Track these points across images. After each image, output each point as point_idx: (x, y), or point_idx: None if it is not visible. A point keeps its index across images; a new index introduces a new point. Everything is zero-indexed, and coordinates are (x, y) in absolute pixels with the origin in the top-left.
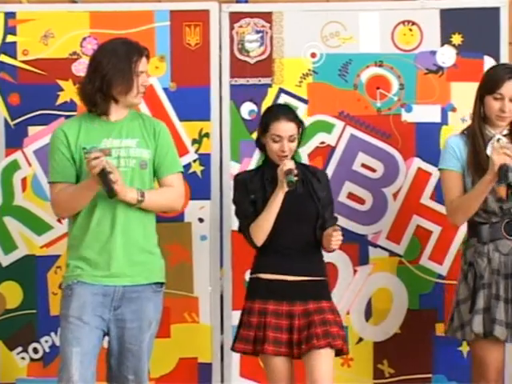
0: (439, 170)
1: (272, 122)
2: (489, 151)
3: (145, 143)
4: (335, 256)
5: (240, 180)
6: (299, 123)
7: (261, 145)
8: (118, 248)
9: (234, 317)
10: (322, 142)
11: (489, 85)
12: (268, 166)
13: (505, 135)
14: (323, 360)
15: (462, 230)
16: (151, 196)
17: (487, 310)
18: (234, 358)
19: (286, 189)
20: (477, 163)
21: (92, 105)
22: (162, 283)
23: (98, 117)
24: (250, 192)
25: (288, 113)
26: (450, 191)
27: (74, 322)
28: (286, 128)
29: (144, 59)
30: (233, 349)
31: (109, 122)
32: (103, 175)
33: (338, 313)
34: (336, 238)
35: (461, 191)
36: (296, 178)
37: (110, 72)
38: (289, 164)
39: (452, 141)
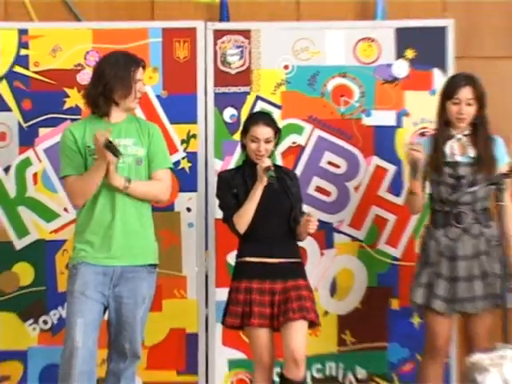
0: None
1: (251, 125)
2: (447, 149)
3: (140, 142)
4: (305, 242)
5: (223, 177)
6: (276, 128)
7: (243, 145)
8: (117, 233)
9: (218, 293)
10: (294, 142)
11: (448, 91)
12: (248, 165)
13: (466, 135)
14: (298, 330)
15: (415, 218)
16: (138, 185)
17: (429, 286)
18: (218, 329)
19: (265, 183)
20: (433, 160)
21: (95, 107)
22: (155, 265)
23: (101, 118)
24: (233, 187)
25: (266, 119)
26: (416, 202)
27: (78, 297)
28: (263, 131)
29: (141, 69)
30: (223, 323)
31: (110, 123)
32: (108, 145)
33: (311, 290)
34: (313, 223)
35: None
36: (274, 174)
37: (111, 79)
38: (267, 162)
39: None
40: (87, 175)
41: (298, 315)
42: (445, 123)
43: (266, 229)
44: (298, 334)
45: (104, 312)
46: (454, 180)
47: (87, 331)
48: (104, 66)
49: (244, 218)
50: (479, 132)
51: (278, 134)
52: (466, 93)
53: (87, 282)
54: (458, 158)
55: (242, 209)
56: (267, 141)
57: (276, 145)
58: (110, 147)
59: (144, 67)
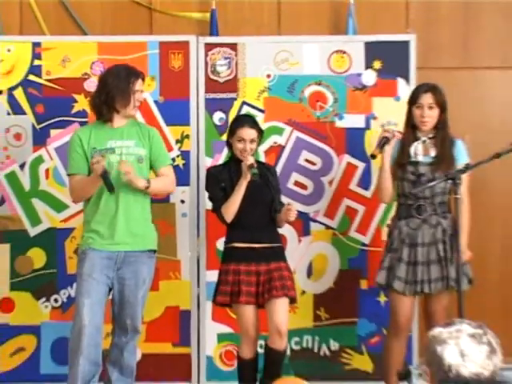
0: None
1: (238, 128)
2: (412, 151)
3: (141, 143)
4: (285, 229)
5: (212, 172)
6: (259, 130)
7: (229, 144)
8: (120, 223)
9: (208, 275)
10: (275, 142)
11: (412, 98)
12: (234, 162)
13: (430, 138)
14: (281, 306)
15: (382, 208)
16: (154, 183)
17: (391, 269)
18: (208, 307)
19: (248, 178)
20: (399, 159)
21: (99, 114)
22: (154, 250)
23: (104, 124)
24: (220, 181)
25: (250, 121)
26: (385, 186)
27: (86, 279)
28: (248, 133)
29: (140, 80)
30: (214, 301)
31: (112, 128)
32: (104, 175)
33: (291, 271)
34: (293, 212)
35: (391, 181)
36: (257, 171)
37: (113, 90)
38: (251, 159)
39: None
40: (85, 183)
41: (281, 293)
42: (412, 127)
43: (251, 218)
44: (281, 309)
45: (109, 292)
46: (415, 177)
47: (93, 310)
48: (107, 78)
49: (230, 208)
50: (440, 134)
51: (261, 134)
52: (427, 98)
53: (94, 265)
54: (420, 158)
55: (228, 201)
56: (252, 141)
57: (259, 144)
58: (106, 178)
59: (143, 79)
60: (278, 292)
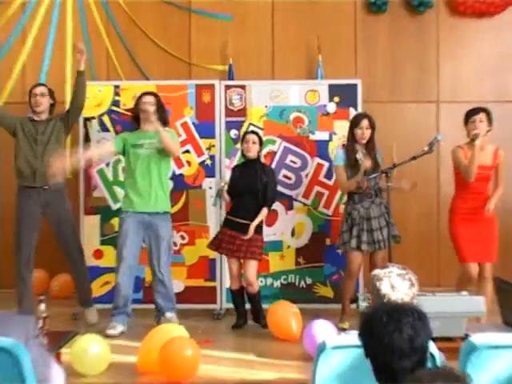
0: (334, 165)
1: (245, 136)
2: (358, 156)
3: (158, 140)
4: (277, 206)
5: (233, 168)
6: (260, 138)
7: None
8: (144, 188)
9: None
10: (270, 149)
11: (355, 122)
12: (244, 160)
13: (365, 148)
14: (251, 266)
15: (339, 194)
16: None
17: (358, 237)
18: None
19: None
20: (350, 162)
21: (134, 124)
22: (168, 212)
23: (137, 129)
24: (237, 172)
25: (254, 133)
26: (342, 177)
27: (124, 234)
28: (252, 139)
29: (145, 96)
30: (208, 246)
31: (143, 131)
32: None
33: (263, 241)
34: None
35: (346, 176)
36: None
37: (135, 110)
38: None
39: (339, 151)
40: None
41: (250, 256)
42: (353, 141)
43: (243, 201)
44: (250, 268)
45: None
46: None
47: (130, 256)
48: (135, 102)
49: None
50: (370, 146)
51: (261, 141)
52: (365, 122)
53: (129, 224)
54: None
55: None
56: (253, 142)
57: (260, 150)
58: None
59: (149, 94)
60: (247, 255)
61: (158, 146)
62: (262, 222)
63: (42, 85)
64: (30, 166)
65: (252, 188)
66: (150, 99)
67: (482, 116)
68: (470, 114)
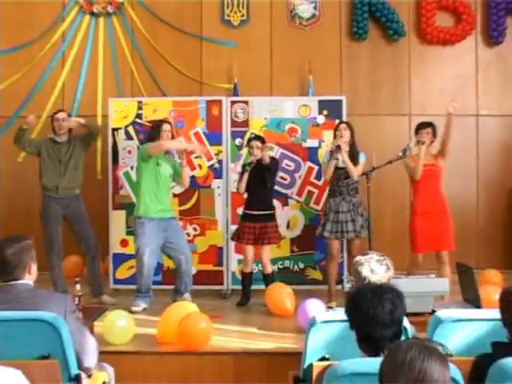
0: (323, 163)
1: (251, 141)
2: (339, 158)
3: (171, 164)
4: (276, 203)
5: (242, 167)
6: (263, 141)
7: (248, 151)
8: (163, 199)
9: (232, 228)
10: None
11: (336, 128)
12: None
13: (347, 152)
14: (265, 250)
15: (326, 192)
16: (186, 164)
17: (323, 225)
18: (231, 245)
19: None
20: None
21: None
22: (175, 217)
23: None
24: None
25: (259, 138)
26: (324, 167)
27: (145, 235)
28: (255, 145)
29: (165, 125)
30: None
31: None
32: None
33: (278, 226)
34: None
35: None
36: (248, 168)
37: (151, 133)
38: (255, 158)
39: (327, 154)
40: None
41: (267, 242)
42: (336, 146)
43: (256, 194)
44: (265, 252)
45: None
46: (339, 173)
47: (152, 256)
48: (152, 125)
49: (240, 188)
50: (351, 150)
51: (263, 142)
52: (343, 125)
53: (148, 227)
54: (340, 164)
55: (240, 183)
56: (257, 147)
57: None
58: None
59: (169, 123)
60: (264, 241)
61: (171, 173)
62: (275, 211)
63: (63, 111)
64: (54, 183)
65: (263, 181)
66: (167, 127)
67: (429, 129)
68: (421, 127)
